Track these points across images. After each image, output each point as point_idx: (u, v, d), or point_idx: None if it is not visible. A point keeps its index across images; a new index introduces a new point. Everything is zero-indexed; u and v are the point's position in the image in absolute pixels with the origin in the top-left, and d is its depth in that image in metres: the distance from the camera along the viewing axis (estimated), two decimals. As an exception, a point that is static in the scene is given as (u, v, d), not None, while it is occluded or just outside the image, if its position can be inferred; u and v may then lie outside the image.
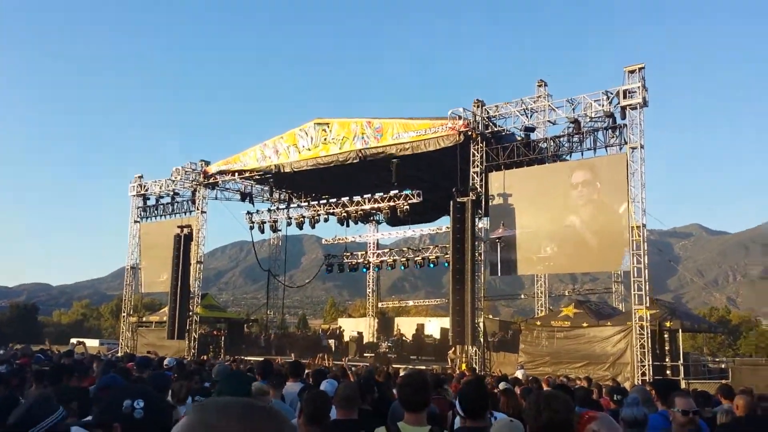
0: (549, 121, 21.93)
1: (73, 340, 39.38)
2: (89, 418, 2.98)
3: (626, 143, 20.09)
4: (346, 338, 31.34)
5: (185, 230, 29.45)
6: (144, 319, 34.23)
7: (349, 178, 28.38)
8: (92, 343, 46.71)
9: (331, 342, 31.02)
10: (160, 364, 11.05)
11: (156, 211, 33.06)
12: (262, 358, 14.87)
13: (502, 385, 8.48)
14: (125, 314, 33.86)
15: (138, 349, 29.09)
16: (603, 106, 20.36)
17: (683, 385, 17.49)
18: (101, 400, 4.37)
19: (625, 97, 19.79)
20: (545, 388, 9.32)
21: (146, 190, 33.24)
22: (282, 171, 27.98)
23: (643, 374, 18.65)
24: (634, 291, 19.79)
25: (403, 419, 3.89)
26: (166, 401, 2.36)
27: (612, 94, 20.20)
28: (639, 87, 19.68)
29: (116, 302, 72.35)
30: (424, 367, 19.52)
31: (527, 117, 22.20)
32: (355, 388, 4.86)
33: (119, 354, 25.51)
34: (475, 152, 22.70)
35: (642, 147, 19.87)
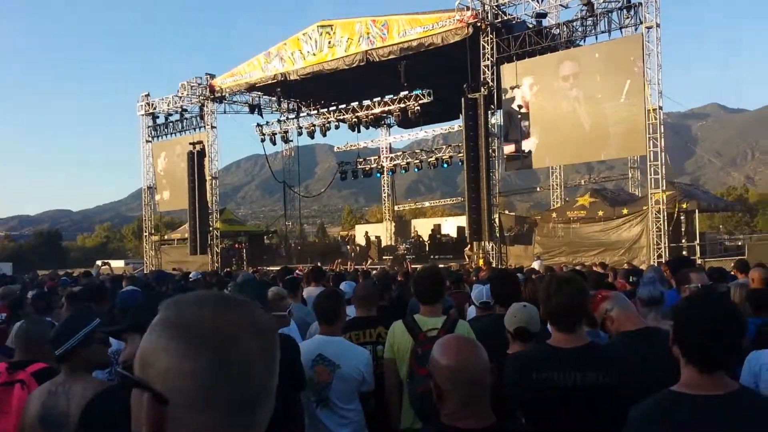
0: (561, 5, 21.11)
1: (98, 262, 40.41)
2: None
3: (641, 23, 19.32)
4: (364, 243, 31.81)
5: (197, 146, 29.41)
6: (166, 237, 34.91)
7: (357, 82, 27.81)
8: (118, 264, 47.97)
9: (350, 248, 31.52)
10: (186, 278, 11.38)
11: (166, 129, 32.85)
12: (283, 267, 15.18)
13: (519, 276, 8.61)
14: (147, 234, 34.51)
15: (163, 266, 29.81)
16: (617, -16, 19.45)
17: (699, 264, 17.69)
18: (125, 311, 4.51)
19: (639, -27, 18.85)
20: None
21: (154, 108, 32.89)
22: (288, 79, 27.43)
23: (659, 256, 18.85)
24: (651, 175, 19.66)
25: (419, 312, 3.98)
26: None
27: (625, -29, 19.23)
28: (654, -39, 18.70)
29: (137, 223, 73.57)
30: (442, 265, 19.87)
31: (538, 2, 21.32)
32: (372, 287, 4.96)
33: (145, 272, 26.20)
34: (485, 44, 21.98)
35: (658, 26, 19.11)
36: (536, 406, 2.59)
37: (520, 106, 21.93)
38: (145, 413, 0.87)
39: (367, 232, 32.85)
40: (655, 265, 13.53)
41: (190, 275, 11.14)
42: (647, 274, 4.07)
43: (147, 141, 33.54)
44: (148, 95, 33.27)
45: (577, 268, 10.60)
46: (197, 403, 0.86)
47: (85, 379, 2.79)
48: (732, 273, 8.34)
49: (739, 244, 27.27)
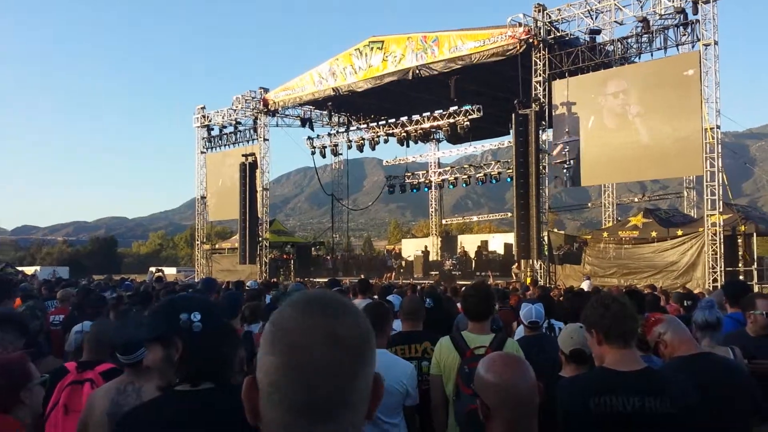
0: (615, 21, 20.72)
1: (152, 269, 41.50)
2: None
3: (699, 40, 18.86)
4: (411, 257, 31.77)
5: (249, 158, 30.02)
6: (217, 246, 35.63)
7: (407, 97, 27.96)
8: (170, 271, 49.21)
9: (396, 262, 31.53)
10: (238, 287, 11.62)
11: (220, 141, 33.68)
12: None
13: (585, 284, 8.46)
14: (198, 242, 35.28)
15: (213, 274, 30.38)
16: (673, 1, 19.05)
17: (756, 289, 17.03)
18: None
19: (696, -10, 18.44)
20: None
21: (209, 121, 33.76)
22: (340, 93, 27.78)
23: (715, 280, 18.23)
24: (707, 196, 19.09)
25: (467, 329, 3.96)
26: (221, 313, 2.25)
27: (682, -13, 18.85)
28: (712, -23, 18.28)
29: (189, 232, 75.25)
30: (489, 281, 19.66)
31: (592, 19, 21.04)
32: (419, 301, 4.97)
33: (196, 280, 26.76)
34: (537, 60, 21.81)
35: (716, 43, 18.63)
36: (594, 431, 2.52)
37: (571, 123, 21.64)
38: (243, 393, 0.97)
39: (424, 246, 32.78)
40: (715, 289, 13.08)
41: (247, 284, 11.37)
42: (708, 297, 3.94)
43: (201, 152, 34.40)
44: (203, 108, 34.19)
45: (637, 287, 10.32)
46: (266, 397, 0.93)
47: (155, 379, 2.89)
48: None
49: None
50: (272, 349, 0.93)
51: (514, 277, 22.37)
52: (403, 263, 30.99)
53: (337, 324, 0.94)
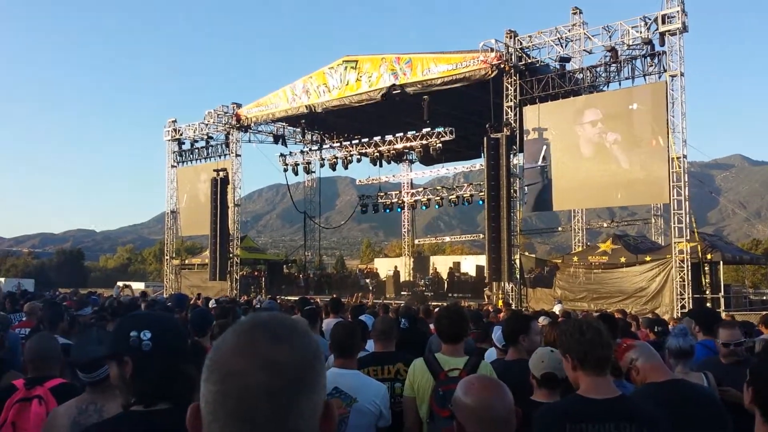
0: (585, 50, 21.18)
1: (119, 283, 40.71)
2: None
3: (665, 71, 19.34)
4: (383, 277, 31.71)
5: (221, 174, 29.75)
6: (186, 261, 35.13)
7: (380, 117, 28.09)
8: (138, 286, 48.28)
9: (368, 281, 31.44)
10: (207, 304, 11.45)
11: (191, 156, 33.32)
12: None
13: (542, 320, 8.48)
14: (168, 257, 34.75)
15: (182, 290, 29.92)
16: (641, 32, 19.56)
17: (723, 316, 17.33)
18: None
19: (663, 22, 18.95)
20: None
21: (180, 135, 33.41)
22: (313, 111, 27.79)
23: (683, 307, 18.50)
24: (674, 224, 19.44)
25: (441, 350, 3.93)
26: (178, 330, 2.16)
27: (650, 19, 19.35)
28: (678, 11, 18.81)
29: (159, 246, 74.18)
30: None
31: (562, 47, 21.47)
32: (392, 322, 4.92)
33: (165, 295, 26.30)
34: (509, 86, 22.14)
35: (682, 75, 19.13)
36: None
37: (542, 149, 21.95)
38: (187, 421, 0.95)
39: (394, 267, 32.75)
40: (683, 315, 13.26)
41: (210, 303, 11.18)
42: (679, 325, 3.98)
43: (172, 166, 33.99)
44: (175, 121, 33.86)
45: (608, 311, 10.39)
46: (206, 426, 0.90)
47: (117, 398, 2.81)
48: (758, 328, 8.17)
49: (765, 298, 26.74)
50: (210, 376, 0.90)
51: (486, 300, 22.44)
52: (376, 283, 30.92)
53: (278, 350, 0.89)
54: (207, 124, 31.95)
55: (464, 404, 1.92)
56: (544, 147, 21.89)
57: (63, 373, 3.46)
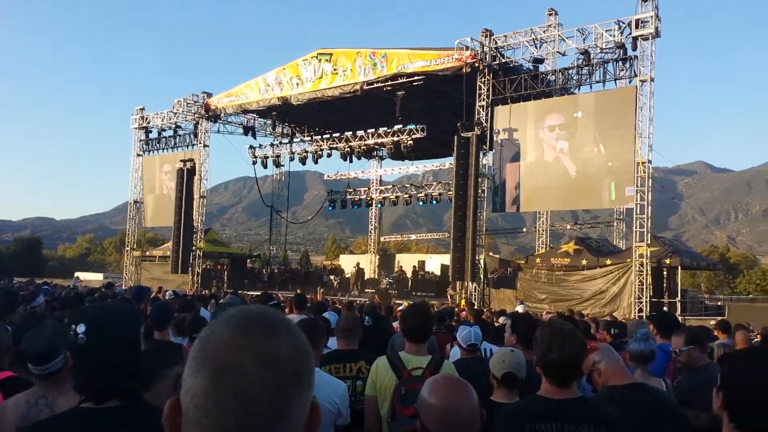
0: (558, 52, 21.38)
1: (77, 274, 39.89)
2: None
3: (636, 76, 19.64)
4: (347, 274, 31.65)
5: (188, 164, 29.30)
6: (147, 253, 34.54)
7: (353, 112, 27.99)
8: (96, 277, 47.37)
9: (333, 278, 31.34)
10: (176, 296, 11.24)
11: (158, 145, 32.76)
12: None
13: (502, 319, 8.53)
14: (128, 248, 34.12)
15: (143, 282, 29.41)
16: (614, 36, 19.82)
17: (680, 320, 17.72)
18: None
19: (637, 27, 19.20)
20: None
21: (148, 123, 32.84)
22: (285, 104, 27.54)
23: (640, 310, 18.86)
24: (636, 228, 19.77)
25: (405, 349, 3.90)
26: (121, 322, 2.06)
27: (624, 23, 19.61)
28: (652, 16, 19.07)
29: (120, 237, 72.84)
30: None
31: (536, 48, 21.65)
32: (356, 319, 4.87)
33: (124, 287, 25.80)
34: (482, 85, 22.25)
35: (652, 80, 19.42)
36: None
37: (510, 149, 22.14)
38: (164, 417, 0.89)
39: (356, 263, 32.71)
40: (640, 319, 13.51)
41: (167, 294, 10.96)
42: (641, 329, 4.01)
43: (138, 155, 33.39)
44: (143, 109, 33.26)
45: (567, 314, 10.50)
46: (192, 422, 0.84)
47: (69, 392, 2.71)
48: (714, 333, 8.35)
49: (719, 303, 27.44)
50: (201, 368, 0.84)
51: (449, 299, 22.54)
52: (341, 279, 30.80)
53: (276, 343, 0.86)
54: (176, 113, 31.44)
55: (429, 404, 1.90)
56: (513, 147, 22.08)
57: (12, 367, 3.33)
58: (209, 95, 30.88)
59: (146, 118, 32.87)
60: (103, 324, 1.99)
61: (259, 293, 13.18)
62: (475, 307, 16.32)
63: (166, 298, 10.27)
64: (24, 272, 46.31)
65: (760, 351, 2.54)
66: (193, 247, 30.20)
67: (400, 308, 9.60)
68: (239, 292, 22.79)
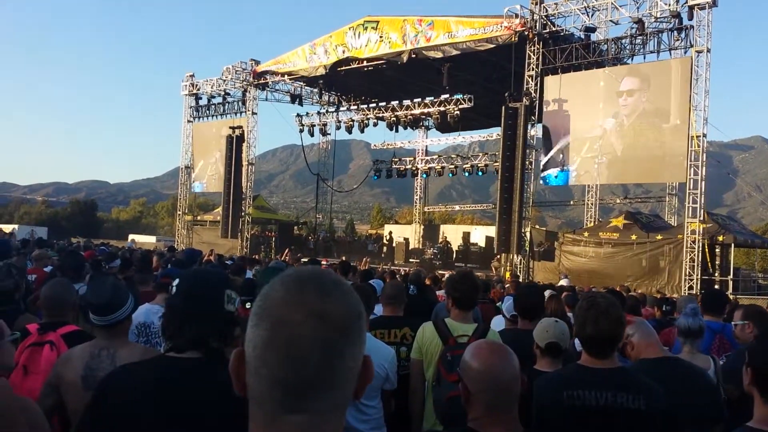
0: (611, 21, 20.76)
1: (132, 237, 41.25)
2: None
3: (692, 46, 18.94)
4: (392, 243, 31.83)
5: (237, 131, 29.75)
6: (198, 218, 35.39)
7: (399, 81, 27.84)
8: (149, 240, 48.84)
9: (377, 246, 31.57)
10: (220, 260, 11.59)
11: (208, 111, 33.30)
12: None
13: (547, 293, 8.50)
14: (180, 213, 35.01)
15: (194, 246, 30.17)
16: (669, 5, 19.12)
17: (731, 299, 17.32)
18: (164, 286, 4.70)
19: (693, -5, 18.49)
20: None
21: (198, 90, 33.33)
22: (332, 72, 27.53)
23: (691, 288, 18.49)
24: (689, 204, 19.29)
25: (451, 316, 3.97)
26: (204, 282, 2.25)
27: (680, -9, 18.91)
28: (709, -16, 18.34)
29: (171, 201, 74.60)
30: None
31: (588, 16, 21.05)
32: (402, 287, 4.97)
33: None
34: (531, 54, 21.79)
35: (708, 51, 18.72)
36: (566, 424, 2.57)
37: (560, 121, 21.72)
38: (230, 366, 0.98)
39: (390, 233, 32.90)
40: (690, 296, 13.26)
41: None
42: (690, 304, 3.97)
43: (188, 121, 34.01)
44: (192, 76, 33.72)
45: (613, 289, 10.38)
46: (253, 371, 0.93)
47: (128, 344, 2.91)
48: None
49: (774, 283, 26.66)
50: (260, 323, 0.93)
51: (494, 271, 22.50)
52: (385, 249, 31.00)
53: (327, 301, 0.93)
54: (225, 80, 31.83)
55: (471, 367, 1.97)
56: (564, 119, 21.66)
57: (77, 321, 3.54)
58: (257, 62, 31.11)
59: (196, 85, 33.37)
60: (189, 280, 2.17)
61: (306, 259, 13.43)
62: (519, 280, 16.28)
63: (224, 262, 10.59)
64: (80, 233, 48.03)
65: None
66: (242, 213, 30.81)
67: (446, 276, 9.66)
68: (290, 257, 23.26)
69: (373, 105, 28.95)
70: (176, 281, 2.18)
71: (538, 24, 21.54)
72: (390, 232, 34.31)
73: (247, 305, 5.16)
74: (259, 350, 0.92)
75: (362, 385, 0.98)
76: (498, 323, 5.18)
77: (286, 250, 22.59)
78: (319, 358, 0.91)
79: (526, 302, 4.26)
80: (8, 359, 2.50)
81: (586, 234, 22.64)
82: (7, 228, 33.03)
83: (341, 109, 31.69)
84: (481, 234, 30.91)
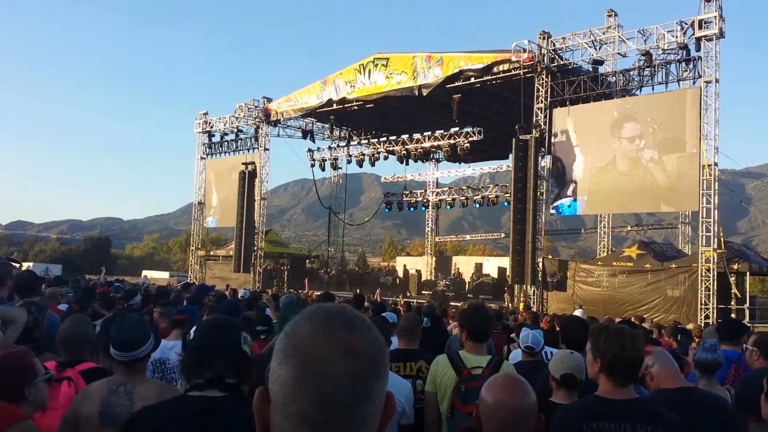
0: (619, 53, 20.95)
1: (145, 273, 41.42)
2: None
3: (700, 77, 19.05)
4: (404, 275, 31.76)
5: (249, 167, 30.09)
6: (211, 252, 35.56)
7: (409, 115, 28.15)
8: (163, 275, 49.00)
9: (389, 279, 31.50)
10: (234, 294, 11.66)
11: (220, 148, 33.77)
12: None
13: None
14: (193, 248, 35.22)
15: (206, 281, 30.30)
16: (676, 37, 19.30)
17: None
18: (179, 323, 4.77)
19: (700, 27, 18.64)
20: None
21: (211, 127, 33.86)
22: (342, 107, 27.89)
23: (707, 317, 18.27)
24: (702, 232, 19.18)
25: (465, 349, 4.00)
26: (226, 329, 2.35)
27: (686, 24, 19.07)
28: (715, 17, 18.49)
29: (184, 237, 74.97)
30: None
31: (595, 49, 21.28)
32: (417, 320, 5.00)
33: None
34: (540, 87, 21.99)
35: (717, 81, 18.81)
36: None
37: (570, 151, 21.81)
38: (254, 404, 0.97)
39: (405, 265, 32.86)
40: (707, 326, 13.11)
41: (239, 293, 11.41)
42: (710, 339, 3.97)
43: (201, 158, 34.44)
44: (206, 113, 34.29)
45: (632, 320, 10.33)
46: (280, 409, 0.92)
47: (146, 380, 2.95)
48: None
49: (791, 311, 26.21)
50: (288, 359, 0.92)
51: (507, 302, 22.37)
52: (398, 281, 30.92)
53: (355, 337, 0.93)
54: (237, 118, 32.33)
55: (483, 400, 2.01)
56: (573, 150, 21.73)
57: (94, 357, 3.59)
58: (269, 100, 31.62)
59: (209, 123, 33.90)
60: (212, 324, 2.28)
61: (319, 293, 13.47)
62: (533, 311, 16.18)
63: (239, 296, 10.67)
64: (94, 270, 48.23)
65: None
66: (255, 247, 30.96)
67: (459, 309, 9.67)
68: (299, 291, 23.30)
69: (384, 139, 29.25)
70: (194, 327, 2.25)
71: (545, 58, 21.78)
72: (404, 265, 34.27)
73: (262, 336, 5.21)
74: (287, 387, 0.91)
75: (385, 422, 0.97)
76: (515, 356, 5.18)
77: (305, 281, 22.73)
78: (348, 395, 0.90)
79: (574, 335, 4.23)
80: (42, 397, 2.56)
81: (599, 263, 22.50)
82: (23, 266, 33.32)
83: (352, 143, 32.01)
84: (493, 265, 30.79)
